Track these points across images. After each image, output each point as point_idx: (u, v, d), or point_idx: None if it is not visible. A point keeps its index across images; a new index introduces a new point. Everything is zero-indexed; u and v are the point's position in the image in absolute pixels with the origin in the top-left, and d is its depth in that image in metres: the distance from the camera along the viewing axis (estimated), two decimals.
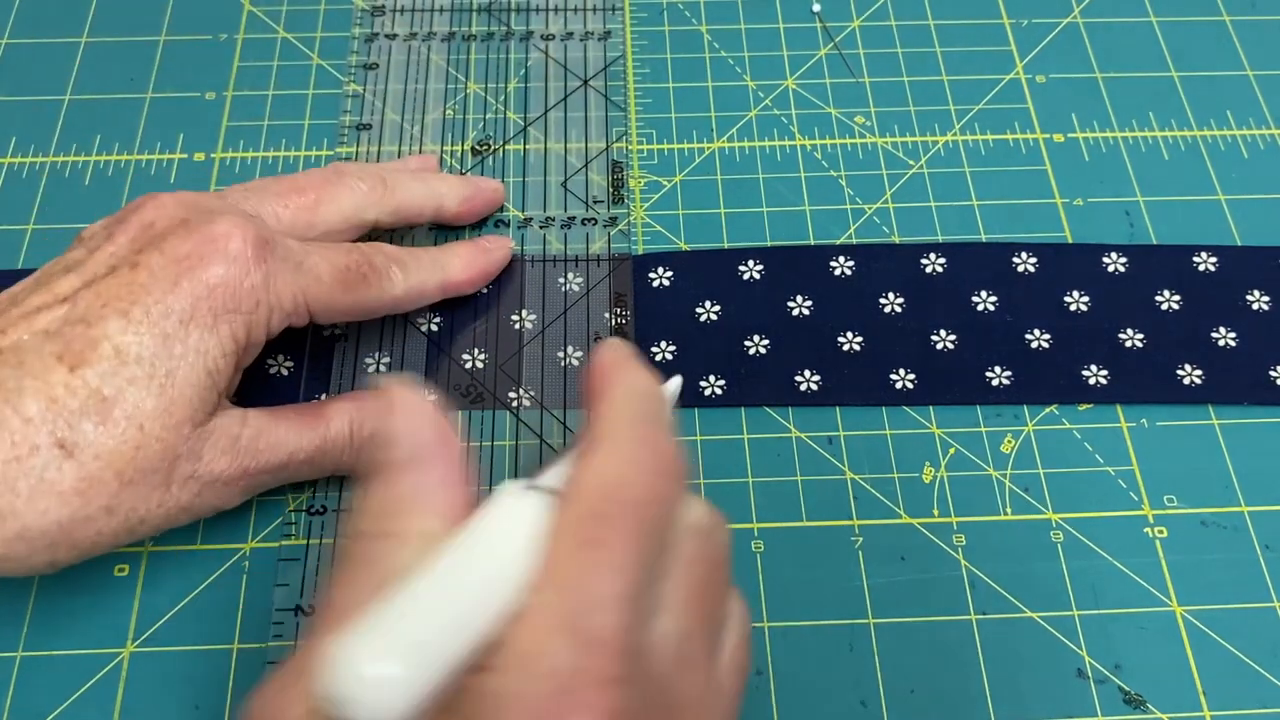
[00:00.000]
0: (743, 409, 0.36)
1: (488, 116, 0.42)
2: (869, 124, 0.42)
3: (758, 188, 0.40)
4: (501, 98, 0.42)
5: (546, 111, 0.42)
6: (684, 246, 0.39)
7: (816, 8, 0.46)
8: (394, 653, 0.18)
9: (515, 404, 0.35)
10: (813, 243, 0.39)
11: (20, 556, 0.27)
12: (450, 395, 0.35)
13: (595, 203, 0.40)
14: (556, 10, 0.45)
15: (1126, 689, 0.31)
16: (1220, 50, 0.45)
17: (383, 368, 0.36)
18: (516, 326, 0.37)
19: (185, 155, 0.41)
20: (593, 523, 0.20)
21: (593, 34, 0.44)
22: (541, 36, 0.44)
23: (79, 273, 0.29)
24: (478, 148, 0.41)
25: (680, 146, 0.42)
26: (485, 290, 0.37)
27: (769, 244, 0.39)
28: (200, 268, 0.29)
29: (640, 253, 0.39)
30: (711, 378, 0.36)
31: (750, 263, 0.38)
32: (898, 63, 0.44)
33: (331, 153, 0.41)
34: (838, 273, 0.38)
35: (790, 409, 0.36)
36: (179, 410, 0.28)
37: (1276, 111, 0.43)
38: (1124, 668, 0.32)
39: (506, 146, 0.41)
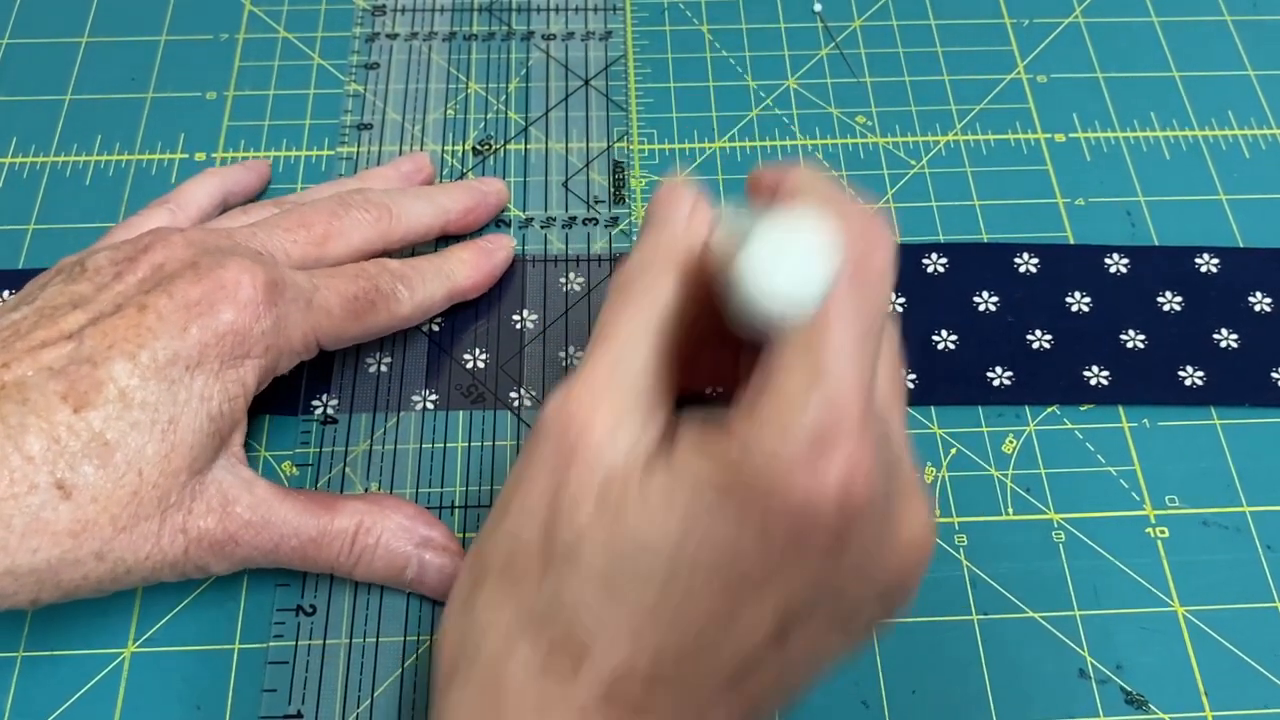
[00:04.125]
0: None
1: (489, 116, 0.42)
2: (870, 124, 0.42)
3: None
4: (502, 97, 0.42)
5: (547, 111, 0.42)
6: None
7: (818, 7, 0.46)
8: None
9: (517, 404, 0.35)
10: None
11: (5, 592, 0.27)
12: (452, 395, 0.35)
13: (596, 203, 0.40)
14: (557, 10, 0.45)
15: (1128, 689, 0.31)
16: (1221, 50, 0.45)
17: (383, 368, 0.36)
18: (518, 327, 0.37)
19: (186, 155, 0.41)
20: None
21: (594, 34, 0.44)
22: (542, 36, 0.44)
23: (85, 309, 0.28)
24: (478, 148, 0.41)
25: (681, 146, 0.41)
26: (487, 290, 0.37)
27: None
28: (210, 314, 0.28)
29: None
30: None
31: None
32: (899, 62, 0.44)
33: (332, 152, 0.41)
34: None
35: None
36: (178, 457, 0.28)
37: (1278, 111, 0.43)
38: (1126, 668, 0.32)
39: (507, 146, 0.41)
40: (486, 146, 0.41)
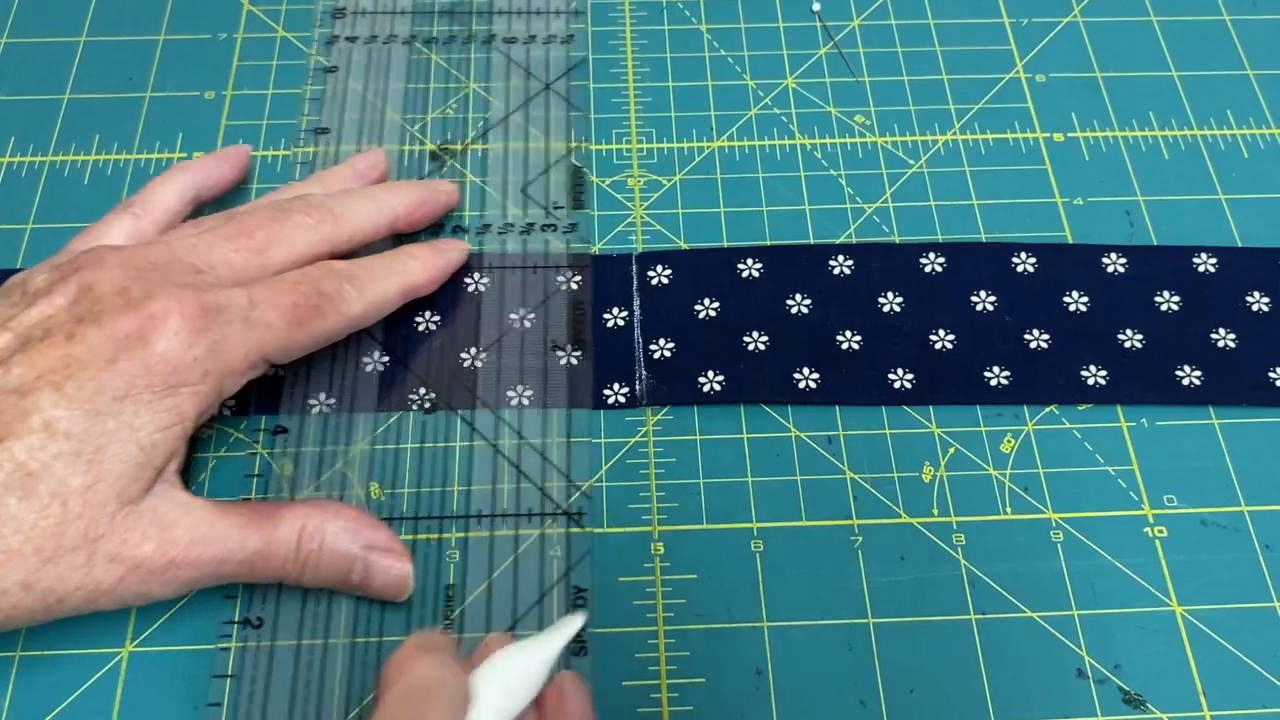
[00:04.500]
0: (742, 408, 0.36)
1: (448, 119, 0.41)
2: (869, 123, 0.42)
3: (757, 187, 0.40)
4: (462, 101, 0.42)
5: (508, 115, 0.41)
6: (683, 246, 0.39)
7: (816, 7, 0.46)
8: None
9: (497, 407, 0.35)
10: (812, 242, 0.39)
11: None
12: (408, 404, 0.35)
13: (555, 208, 0.39)
14: (519, 13, 0.44)
15: (1126, 689, 0.31)
16: (1220, 50, 0.45)
17: (380, 367, 0.36)
18: (470, 336, 0.36)
19: (184, 154, 0.41)
20: None
21: (555, 38, 0.44)
22: (503, 40, 0.43)
23: (13, 328, 0.28)
24: (438, 152, 0.41)
25: (680, 145, 0.41)
26: (445, 293, 0.37)
27: (769, 243, 0.39)
28: (139, 347, 0.28)
29: (640, 251, 0.39)
30: (710, 373, 0.36)
31: (749, 261, 0.38)
32: (898, 62, 0.44)
33: (288, 153, 0.40)
34: (837, 271, 0.38)
35: (790, 408, 0.36)
36: (105, 488, 0.27)
37: (1277, 111, 0.43)
38: (1124, 667, 0.32)
39: (467, 148, 0.41)
40: (446, 151, 0.41)
